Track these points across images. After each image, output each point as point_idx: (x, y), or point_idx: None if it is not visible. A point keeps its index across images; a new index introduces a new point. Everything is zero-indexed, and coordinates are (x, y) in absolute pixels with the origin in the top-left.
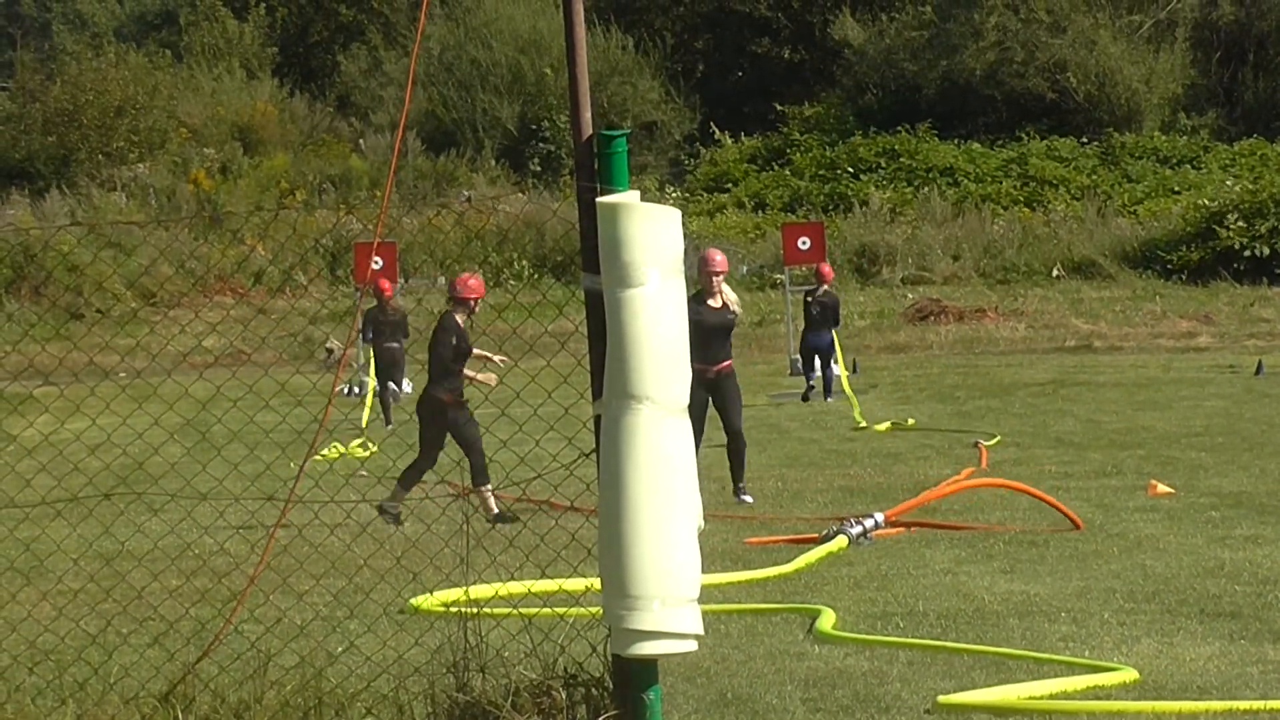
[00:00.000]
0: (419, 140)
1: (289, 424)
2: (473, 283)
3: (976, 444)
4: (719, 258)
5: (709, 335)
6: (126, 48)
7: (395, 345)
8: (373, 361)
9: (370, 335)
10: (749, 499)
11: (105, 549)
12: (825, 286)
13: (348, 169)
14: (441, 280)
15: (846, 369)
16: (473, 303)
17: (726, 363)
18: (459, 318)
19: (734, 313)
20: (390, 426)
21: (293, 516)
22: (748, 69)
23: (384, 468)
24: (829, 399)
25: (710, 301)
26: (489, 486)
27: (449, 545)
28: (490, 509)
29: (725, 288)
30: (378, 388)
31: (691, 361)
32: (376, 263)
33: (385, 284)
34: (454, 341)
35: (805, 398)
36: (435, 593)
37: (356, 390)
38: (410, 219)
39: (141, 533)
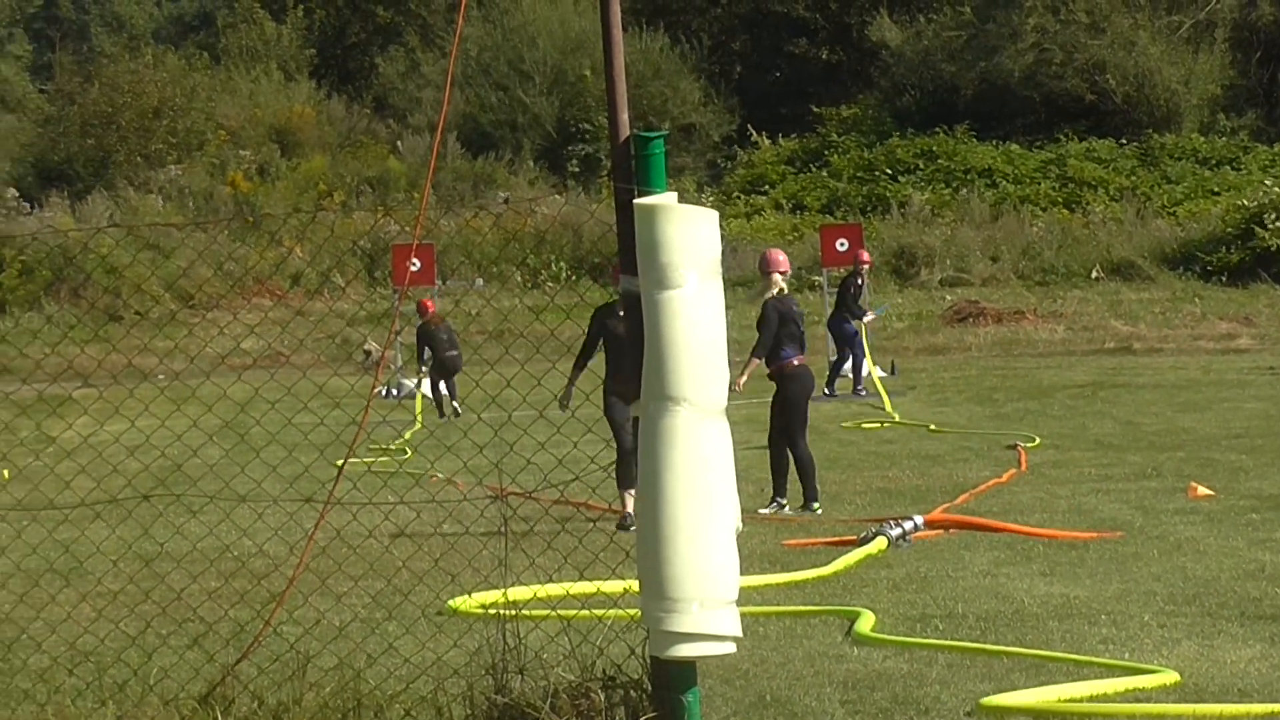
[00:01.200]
0: (457, 142)
1: (327, 426)
2: (781, 256)
3: (1015, 446)
4: (780, 257)
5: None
6: (164, 50)
7: (456, 353)
8: (427, 374)
9: (426, 354)
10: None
11: (144, 551)
12: (856, 269)
13: (385, 171)
14: (480, 282)
15: (886, 370)
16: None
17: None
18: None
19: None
20: (444, 418)
21: (331, 519)
22: (785, 70)
23: (420, 470)
24: (858, 391)
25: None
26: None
27: (487, 547)
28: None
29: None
30: (430, 393)
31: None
32: (414, 265)
33: (429, 303)
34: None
35: (829, 385)
36: (473, 595)
37: (395, 392)
38: (448, 221)
39: (180, 534)
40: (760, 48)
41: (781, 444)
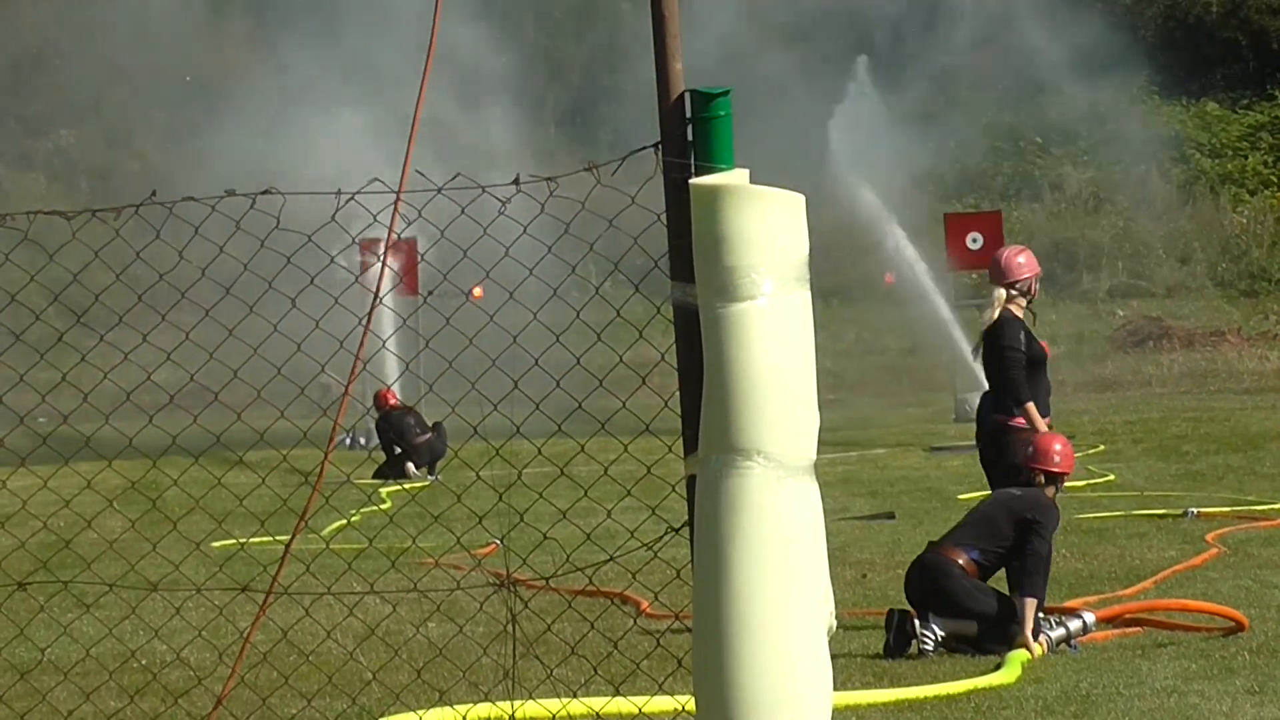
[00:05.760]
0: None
1: (270, 488)
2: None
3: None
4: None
5: (1043, 372)
6: None
7: (429, 435)
8: (400, 465)
9: (395, 446)
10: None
11: (19, 658)
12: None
13: None
14: (478, 291)
15: None
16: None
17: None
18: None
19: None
20: (434, 477)
21: (274, 614)
22: (896, 2)
23: (395, 549)
24: None
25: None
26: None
27: (489, 653)
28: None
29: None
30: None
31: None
32: (389, 269)
33: (389, 394)
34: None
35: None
36: (470, 716)
37: (363, 441)
38: (437, 208)
39: (69, 636)
40: None
41: None
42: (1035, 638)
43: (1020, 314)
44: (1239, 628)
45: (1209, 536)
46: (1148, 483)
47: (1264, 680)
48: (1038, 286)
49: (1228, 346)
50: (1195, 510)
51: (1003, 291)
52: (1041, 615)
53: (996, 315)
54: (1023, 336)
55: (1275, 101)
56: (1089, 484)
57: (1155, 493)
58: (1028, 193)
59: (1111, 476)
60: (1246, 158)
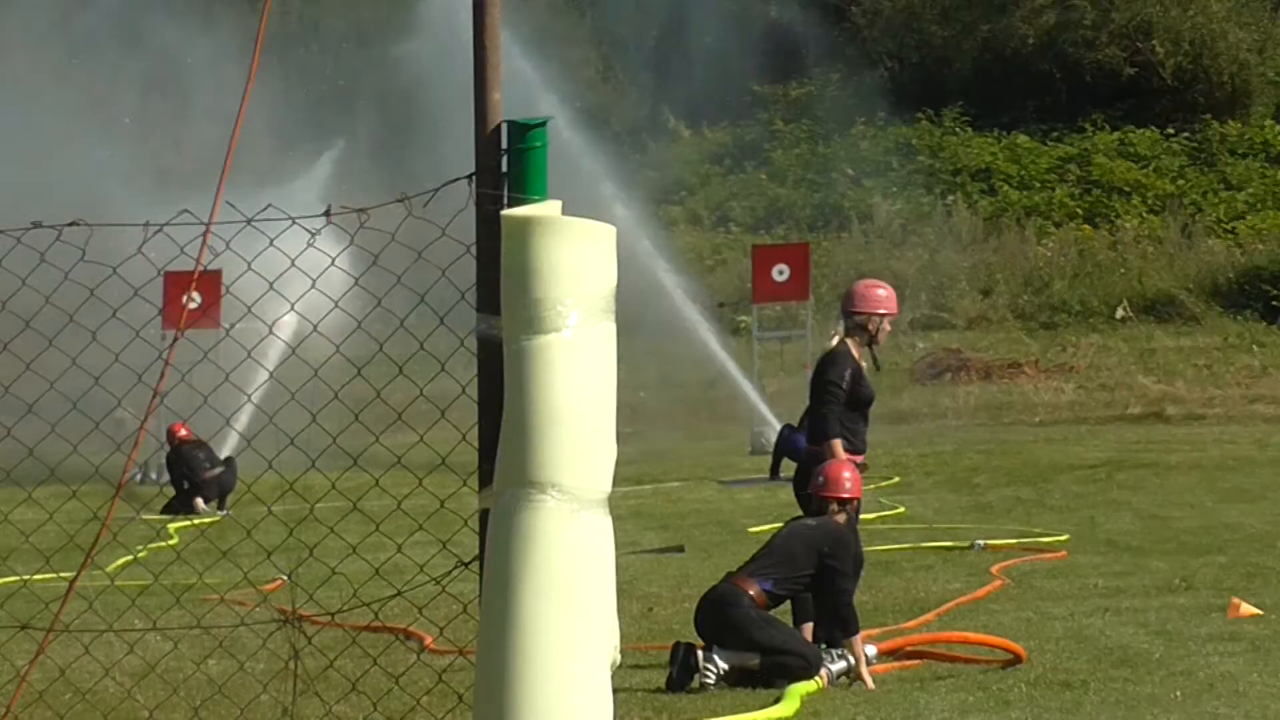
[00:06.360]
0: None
1: (57, 524)
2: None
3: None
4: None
5: (865, 411)
6: None
7: (220, 470)
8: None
9: (183, 481)
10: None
11: None
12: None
13: None
14: (286, 323)
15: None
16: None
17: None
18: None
19: None
20: (224, 512)
21: (53, 652)
22: (715, 35)
23: (181, 585)
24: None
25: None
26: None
27: (269, 690)
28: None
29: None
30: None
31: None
32: (193, 300)
33: (180, 427)
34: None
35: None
36: None
37: (155, 476)
38: (244, 241)
39: None
40: (682, 3)
41: None
42: (843, 673)
43: (856, 350)
44: (1017, 660)
45: (994, 569)
46: (937, 515)
47: (1039, 712)
48: (887, 327)
49: (1024, 378)
50: (983, 542)
51: (843, 322)
52: (823, 647)
53: (834, 345)
54: (849, 375)
55: (1085, 134)
56: (880, 516)
57: (944, 525)
58: (836, 224)
59: (902, 509)
60: (1054, 189)
